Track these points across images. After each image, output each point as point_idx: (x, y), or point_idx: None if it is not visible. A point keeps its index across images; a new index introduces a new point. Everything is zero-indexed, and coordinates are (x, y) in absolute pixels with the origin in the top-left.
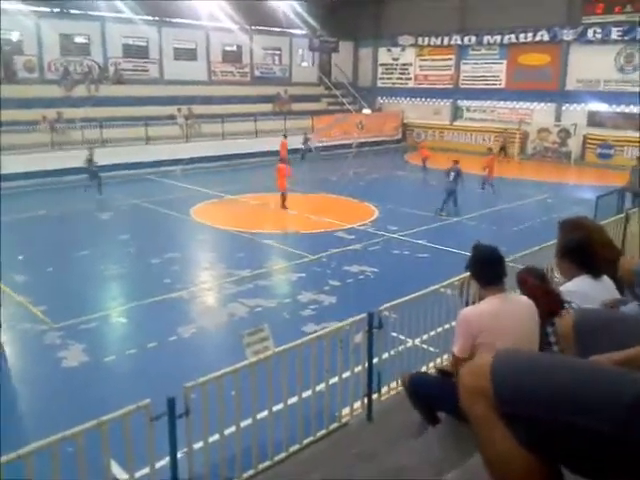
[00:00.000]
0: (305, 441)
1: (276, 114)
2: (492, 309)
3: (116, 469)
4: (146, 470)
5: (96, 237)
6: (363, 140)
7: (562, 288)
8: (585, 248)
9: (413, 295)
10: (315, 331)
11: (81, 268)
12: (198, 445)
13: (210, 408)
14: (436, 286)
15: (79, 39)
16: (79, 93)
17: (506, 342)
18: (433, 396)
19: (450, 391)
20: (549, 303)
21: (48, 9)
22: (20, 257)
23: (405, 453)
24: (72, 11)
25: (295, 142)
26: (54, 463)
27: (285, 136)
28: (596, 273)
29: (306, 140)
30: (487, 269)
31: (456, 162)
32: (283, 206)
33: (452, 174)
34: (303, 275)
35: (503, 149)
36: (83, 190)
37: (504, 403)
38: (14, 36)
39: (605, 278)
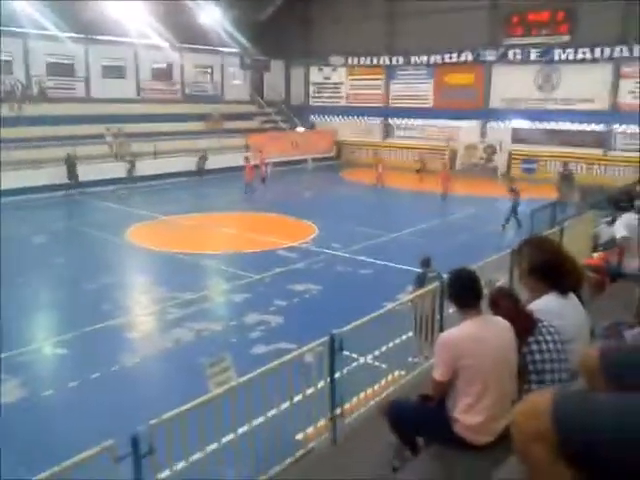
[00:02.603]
0: (272, 471)
1: (208, 132)
2: (472, 332)
3: None
4: None
5: (27, 263)
6: (297, 158)
7: (532, 307)
8: (553, 266)
9: (371, 316)
10: (265, 353)
11: (12, 296)
12: (163, 475)
13: (173, 441)
14: (393, 304)
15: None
16: (2, 112)
17: (488, 364)
18: (414, 423)
19: (431, 417)
20: (523, 323)
21: None
22: None
23: None
24: None
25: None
26: None
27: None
28: (563, 290)
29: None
30: (465, 292)
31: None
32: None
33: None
34: (248, 296)
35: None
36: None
37: (571, 443)
38: None
39: (572, 295)
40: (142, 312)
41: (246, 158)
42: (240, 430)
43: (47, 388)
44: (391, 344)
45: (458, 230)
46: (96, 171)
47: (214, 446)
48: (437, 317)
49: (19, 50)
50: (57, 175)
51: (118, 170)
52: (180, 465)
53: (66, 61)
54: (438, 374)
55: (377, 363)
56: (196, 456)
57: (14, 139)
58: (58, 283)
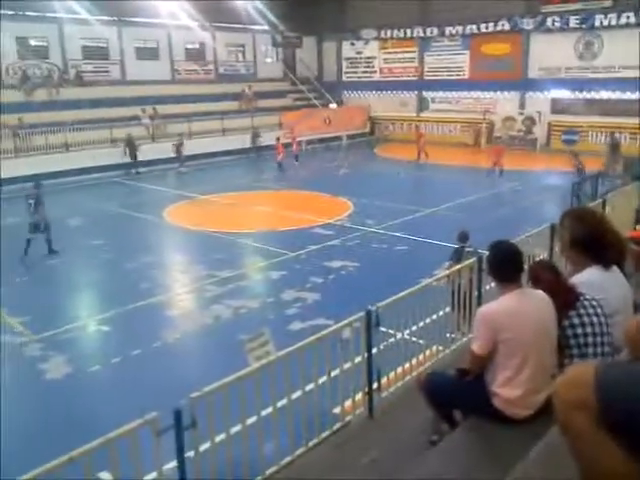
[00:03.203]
0: (310, 443)
1: (242, 112)
2: (511, 305)
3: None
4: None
5: (69, 244)
6: (331, 135)
7: (574, 280)
8: (595, 238)
9: (407, 291)
10: (302, 329)
11: (56, 276)
12: (204, 447)
13: (214, 414)
14: (429, 280)
15: (37, 42)
16: (40, 97)
17: (527, 337)
18: (452, 396)
19: (469, 390)
20: (565, 297)
21: (1, 11)
22: None
23: (427, 459)
24: (28, 13)
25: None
26: None
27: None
28: (606, 263)
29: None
30: (505, 265)
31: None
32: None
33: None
34: (284, 273)
35: (478, 139)
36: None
37: (612, 412)
38: None
39: (614, 268)
40: (181, 290)
41: (277, 137)
42: (279, 403)
43: (91, 364)
44: (428, 320)
45: (497, 205)
46: (149, 151)
47: (254, 419)
48: (475, 293)
49: (54, 35)
50: (113, 155)
51: (168, 150)
52: (220, 437)
53: (101, 44)
54: (477, 347)
55: (414, 339)
56: (236, 429)
57: (52, 123)
58: (100, 262)
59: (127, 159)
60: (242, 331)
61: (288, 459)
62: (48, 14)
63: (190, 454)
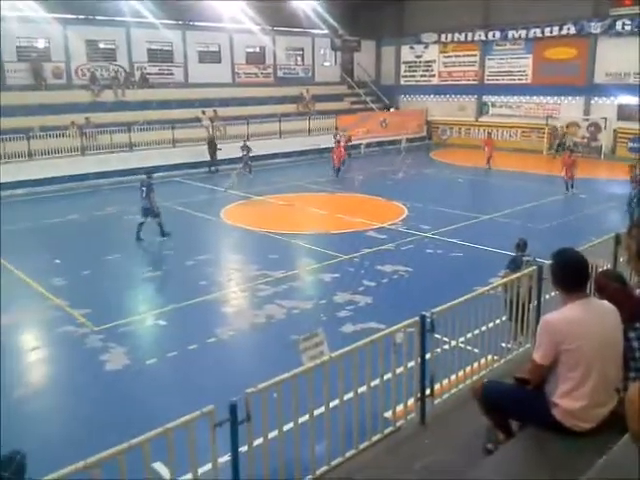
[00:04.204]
0: (360, 446)
1: (300, 114)
2: (576, 315)
3: (162, 470)
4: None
5: (128, 240)
6: (388, 138)
7: None
8: None
9: (462, 298)
10: (354, 332)
11: (117, 271)
12: (257, 442)
13: (268, 411)
14: (485, 288)
15: (105, 45)
16: (106, 98)
17: (591, 348)
18: (509, 405)
19: (528, 400)
20: (631, 307)
21: (74, 16)
22: (56, 261)
23: (483, 468)
24: (97, 17)
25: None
26: (121, 473)
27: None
28: None
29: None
30: (571, 275)
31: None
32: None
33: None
34: (337, 275)
35: (561, 145)
36: (236, 173)
37: None
38: (41, 43)
39: None
40: (236, 288)
41: (337, 141)
42: (331, 404)
43: (149, 357)
44: (484, 328)
45: (559, 213)
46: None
47: (305, 418)
48: (534, 303)
49: (122, 38)
50: (175, 155)
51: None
52: (273, 434)
53: (165, 47)
54: (539, 356)
55: (469, 347)
56: (288, 426)
57: (117, 123)
58: (158, 258)
59: (188, 159)
60: (294, 331)
61: (339, 460)
62: (116, 18)
63: (243, 449)
